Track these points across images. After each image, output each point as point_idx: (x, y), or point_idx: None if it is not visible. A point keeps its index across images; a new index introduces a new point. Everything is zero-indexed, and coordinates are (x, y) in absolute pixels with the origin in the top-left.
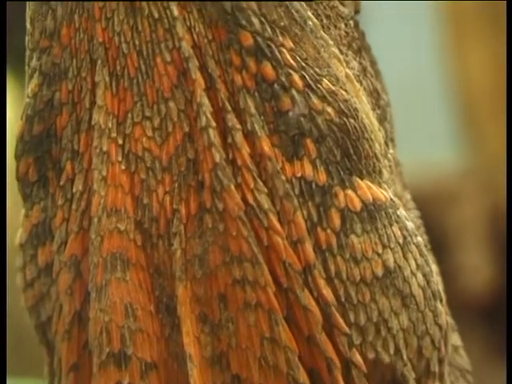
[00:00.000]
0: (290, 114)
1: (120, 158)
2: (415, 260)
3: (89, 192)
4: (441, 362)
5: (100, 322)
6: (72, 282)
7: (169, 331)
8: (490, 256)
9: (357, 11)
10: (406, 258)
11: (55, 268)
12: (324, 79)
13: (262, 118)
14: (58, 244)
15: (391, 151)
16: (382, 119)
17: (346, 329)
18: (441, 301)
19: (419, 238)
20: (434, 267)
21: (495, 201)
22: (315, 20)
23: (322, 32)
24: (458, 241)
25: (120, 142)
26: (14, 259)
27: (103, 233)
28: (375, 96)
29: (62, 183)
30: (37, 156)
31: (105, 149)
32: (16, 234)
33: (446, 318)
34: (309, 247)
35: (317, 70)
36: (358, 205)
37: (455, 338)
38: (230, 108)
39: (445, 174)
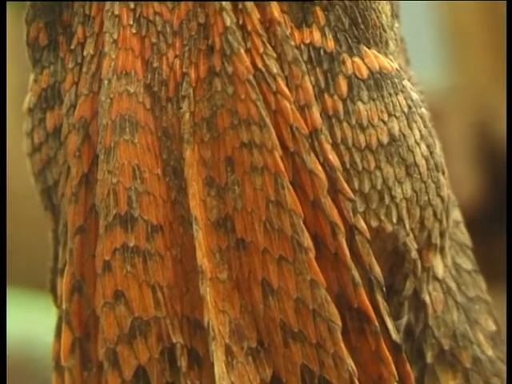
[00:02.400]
0: None
1: (131, 22)
2: (419, 130)
3: (99, 55)
4: (442, 234)
5: (107, 184)
6: (80, 144)
7: (175, 194)
8: (474, 172)
9: None
10: (410, 128)
11: (64, 131)
12: None
13: None
14: (68, 107)
15: (397, 25)
16: None
17: (351, 194)
18: (443, 173)
19: (423, 110)
20: (438, 141)
21: (480, 119)
22: None
23: None
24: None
25: (131, 5)
26: None
27: (113, 95)
28: None
29: (72, 47)
30: (48, 20)
31: (116, 12)
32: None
33: (447, 191)
34: (316, 112)
35: None
36: (364, 72)
37: (456, 214)
38: None
39: (430, 92)
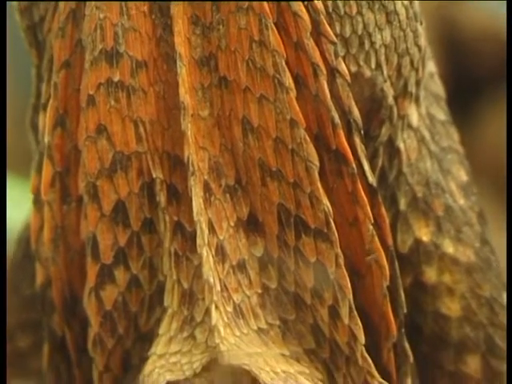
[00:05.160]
0: None
1: None
2: None
3: None
4: (418, 83)
5: (95, 19)
6: None
7: (160, 31)
8: (438, 61)
9: None
10: None
11: None
12: None
13: None
14: None
15: None
16: None
17: (333, 37)
18: (421, 23)
19: None
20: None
21: (442, 12)
22: None
23: None
24: None
25: None
26: None
27: None
28: None
29: None
30: None
31: None
32: None
33: (424, 42)
34: None
35: None
36: None
37: (431, 65)
38: None
39: None
